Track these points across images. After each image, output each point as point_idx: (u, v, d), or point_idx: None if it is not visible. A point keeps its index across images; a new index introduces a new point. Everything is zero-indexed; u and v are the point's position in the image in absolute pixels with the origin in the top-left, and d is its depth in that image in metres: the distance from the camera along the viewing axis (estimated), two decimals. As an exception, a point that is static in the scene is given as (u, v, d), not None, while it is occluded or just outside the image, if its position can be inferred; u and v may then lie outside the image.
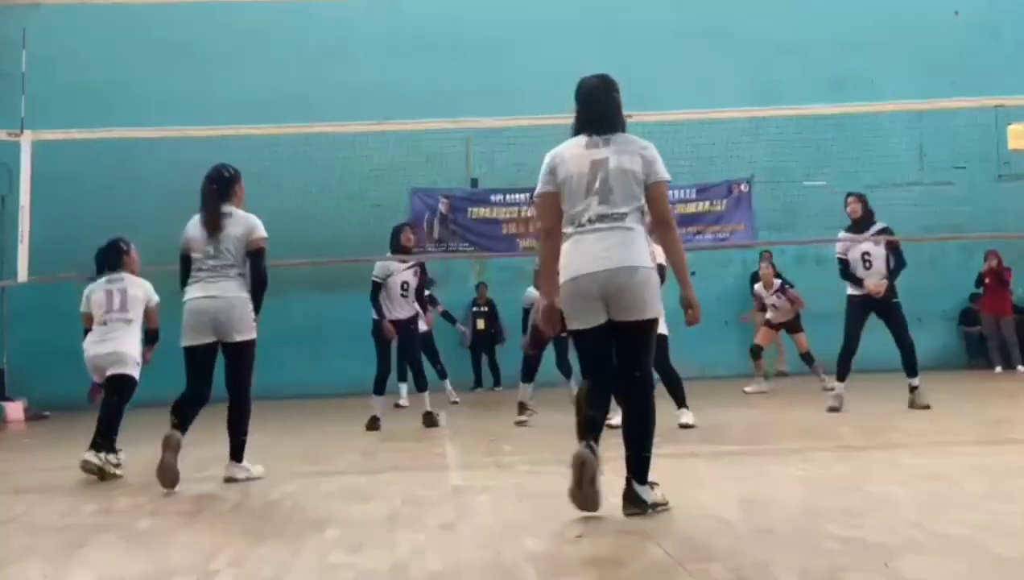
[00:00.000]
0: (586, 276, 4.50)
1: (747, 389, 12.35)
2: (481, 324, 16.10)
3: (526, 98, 13.80)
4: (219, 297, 6.24)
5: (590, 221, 4.55)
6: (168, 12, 16.20)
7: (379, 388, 9.76)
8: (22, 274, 9.50)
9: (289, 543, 4.27)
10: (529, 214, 14.76)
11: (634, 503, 4.47)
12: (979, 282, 16.05)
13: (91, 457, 6.76)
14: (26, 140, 9.63)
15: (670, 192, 4.90)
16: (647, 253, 4.61)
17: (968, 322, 16.87)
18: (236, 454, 6.31)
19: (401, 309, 9.80)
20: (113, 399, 7.13)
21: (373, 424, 9.50)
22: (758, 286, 13.24)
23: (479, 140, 15.31)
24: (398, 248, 9.85)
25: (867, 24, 16.67)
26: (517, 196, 15.85)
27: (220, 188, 6.40)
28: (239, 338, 6.27)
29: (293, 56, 16.19)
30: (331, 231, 14.14)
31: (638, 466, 4.51)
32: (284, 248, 13.76)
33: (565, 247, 4.62)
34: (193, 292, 6.32)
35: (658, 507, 4.53)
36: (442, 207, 16.04)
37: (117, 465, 6.88)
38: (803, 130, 14.16)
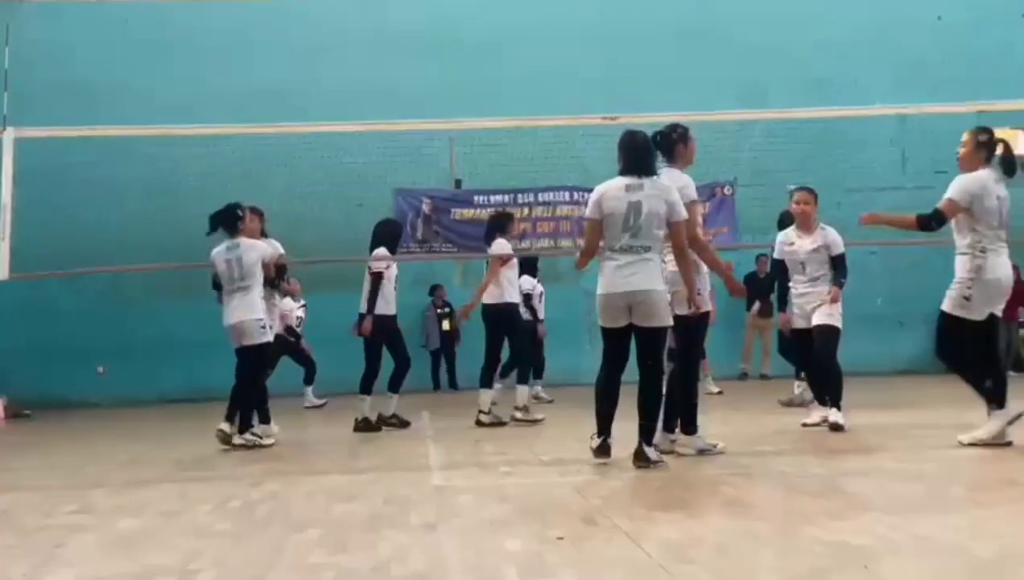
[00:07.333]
0: (616, 294, 6.02)
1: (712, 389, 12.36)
2: (447, 325, 15.90)
3: (511, 99, 13.81)
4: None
5: (622, 249, 6.02)
6: (152, 9, 16.13)
7: (366, 387, 9.40)
8: (3, 272, 9.42)
9: (271, 543, 4.27)
10: (517, 214, 14.69)
11: (642, 459, 5.91)
12: (960, 286, 16.07)
13: (223, 425, 7.87)
14: (8, 137, 9.56)
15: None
16: (660, 278, 6.06)
17: (949, 325, 16.91)
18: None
19: (389, 305, 9.33)
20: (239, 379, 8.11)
21: (368, 425, 9.19)
22: None
23: (463, 141, 15.28)
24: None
25: (850, 28, 16.69)
26: (500, 197, 15.87)
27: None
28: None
29: (278, 55, 16.10)
30: (316, 232, 14.07)
31: (646, 432, 5.96)
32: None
33: (603, 265, 6.11)
34: None
35: (659, 464, 5.92)
36: (425, 208, 16.03)
37: (260, 437, 8.02)
38: (786, 133, 14.18)
